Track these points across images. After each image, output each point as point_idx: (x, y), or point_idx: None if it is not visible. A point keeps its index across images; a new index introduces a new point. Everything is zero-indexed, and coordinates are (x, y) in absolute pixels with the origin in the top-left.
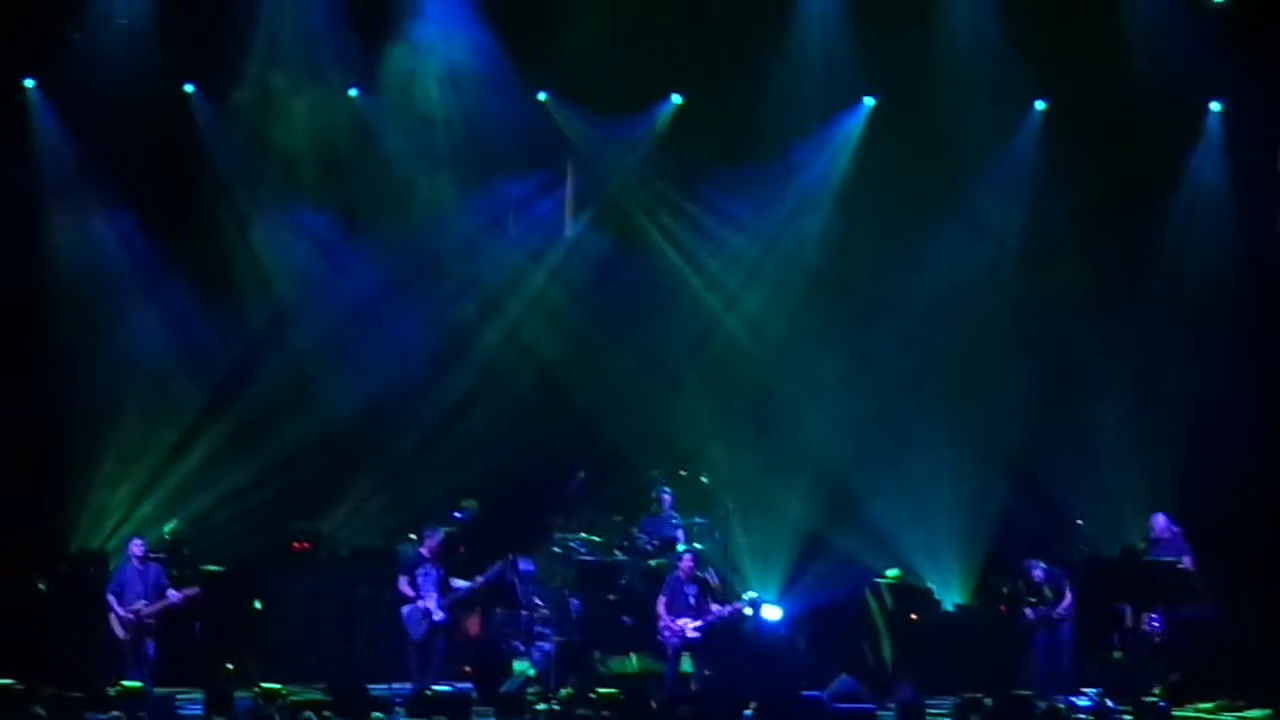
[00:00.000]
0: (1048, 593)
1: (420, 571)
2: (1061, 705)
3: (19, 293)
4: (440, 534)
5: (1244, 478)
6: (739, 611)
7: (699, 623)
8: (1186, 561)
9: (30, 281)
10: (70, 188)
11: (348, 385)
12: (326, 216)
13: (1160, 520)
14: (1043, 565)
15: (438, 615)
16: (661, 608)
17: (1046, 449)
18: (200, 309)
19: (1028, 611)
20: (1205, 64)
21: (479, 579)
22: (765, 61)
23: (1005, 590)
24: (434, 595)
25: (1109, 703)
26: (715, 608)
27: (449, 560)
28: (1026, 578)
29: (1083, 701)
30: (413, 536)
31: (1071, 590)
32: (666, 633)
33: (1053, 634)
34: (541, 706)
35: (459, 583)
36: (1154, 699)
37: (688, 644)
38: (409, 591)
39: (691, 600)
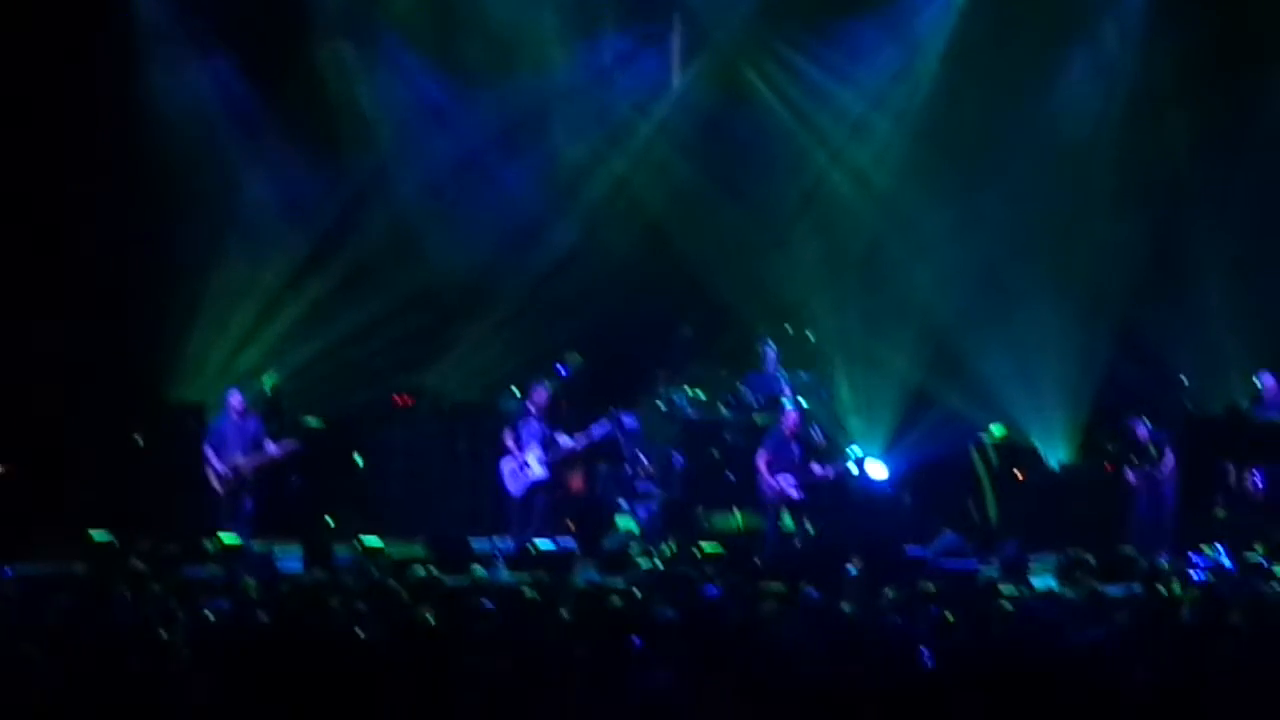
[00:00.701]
0: (1152, 451)
1: (524, 426)
2: (1164, 564)
3: (119, 138)
4: (546, 389)
5: None
6: (842, 472)
7: (800, 481)
8: None
9: (130, 127)
10: (168, 31)
11: (452, 238)
12: (429, 66)
13: (1269, 379)
14: (1147, 423)
15: (539, 471)
16: (762, 463)
17: (1153, 306)
18: (303, 158)
19: (1129, 473)
20: None
21: (582, 438)
22: None
23: (1110, 448)
24: (537, 449)
25: (1226, 559)
26: (818, 468)
27: (554, 415)
28: (1131, 435)
29: (1198, 559)
30: (515, 391)
31: (1172, 450)
32: (767, 489)
33: (1155, 493)
34: (644, 562)
35: (564, 440)
36: (1256, 557)
37: (788, 501)
38: (511, 445)
39: (795, 458)
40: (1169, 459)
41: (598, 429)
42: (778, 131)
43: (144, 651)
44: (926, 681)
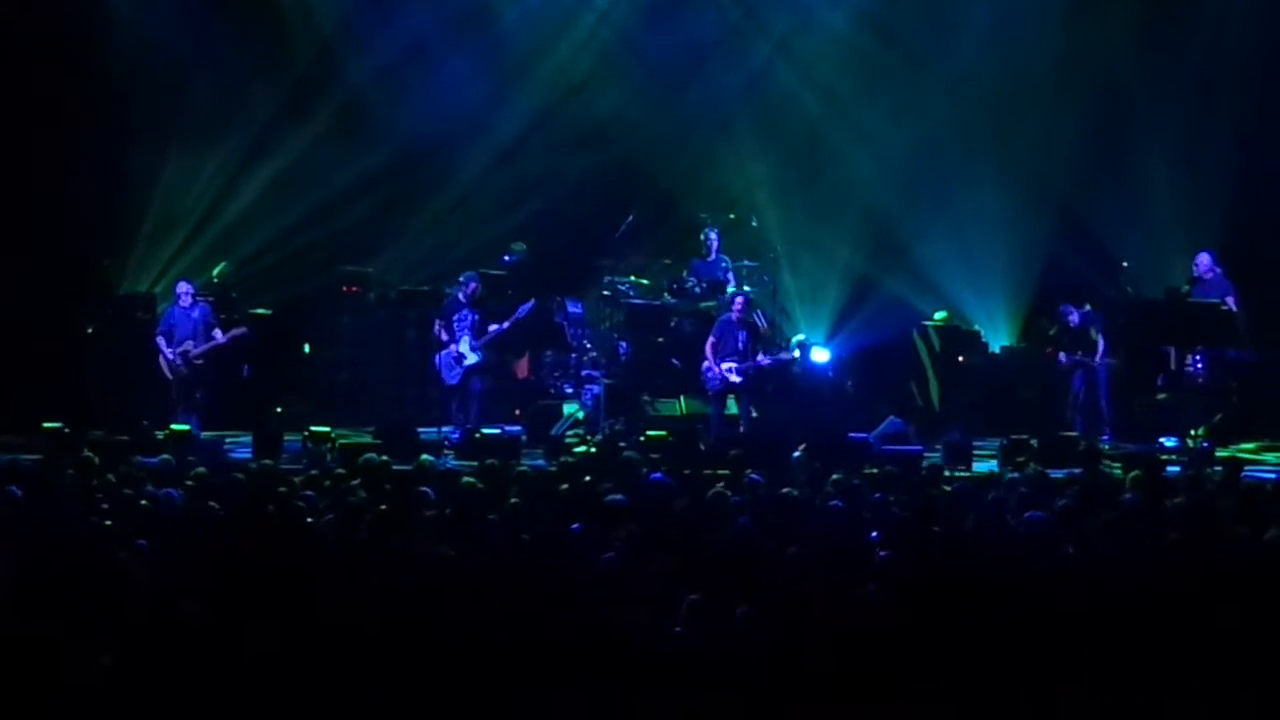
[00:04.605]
0: (1093, 334)
1: (457, 317)
2: (1105, 444)
3: (63, 28)
4: (475, 279)
5: None
6: (783, 362)
7: (743, 367)
8: (1230, 302)
9: (75, 19)
10: None
11: (397, 127)
12: None
13: (1205, 259)
14: (1077, 310)
15: (471, 358)
16: (709, 349)
17: (1093, 190)
18: (248, 46)
19: (1061, 355)
20: None
21: (506, 321)
22: None
23: (1051, 332)
24: (468, 338)
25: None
26: (761, 357)
27: (488, 304)
28: (1062, 322)
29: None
30: (461, 279)
31: (1104, 335)
32: (709, 374)
33: (1090, 378)
34: (582, 449)
35: (492, 326)
36: (1197, 440)
37: (728, 387)
38: (444, 336)
39: (741, 345)
40: (1100, 344)
41: (522, 308)
42: (719, 19)
43: (94, 541)
44: (871, 566)
